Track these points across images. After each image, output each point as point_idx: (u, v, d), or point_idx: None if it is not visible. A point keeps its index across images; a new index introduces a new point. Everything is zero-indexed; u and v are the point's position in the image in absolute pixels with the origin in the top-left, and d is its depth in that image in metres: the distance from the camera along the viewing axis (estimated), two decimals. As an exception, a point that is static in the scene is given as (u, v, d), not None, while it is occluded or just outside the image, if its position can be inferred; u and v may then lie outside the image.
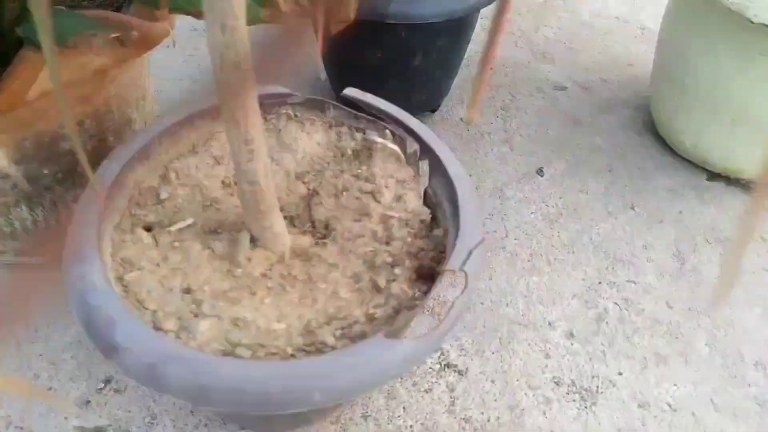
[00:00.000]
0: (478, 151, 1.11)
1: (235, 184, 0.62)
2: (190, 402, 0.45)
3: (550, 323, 0.84)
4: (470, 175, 1.06)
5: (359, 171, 0.65)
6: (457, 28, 0.99)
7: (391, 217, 0.60)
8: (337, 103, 0.70)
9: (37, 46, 0.57)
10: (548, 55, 1.36)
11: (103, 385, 0.75)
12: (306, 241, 0.59)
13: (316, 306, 0.52)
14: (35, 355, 0.77)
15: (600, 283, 0.89)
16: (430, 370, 0.78)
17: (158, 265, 0.55)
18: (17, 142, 0.62)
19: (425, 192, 0.63)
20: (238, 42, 0.44)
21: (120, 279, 0.53)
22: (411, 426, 0.73)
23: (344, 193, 0.63)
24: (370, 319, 0.51)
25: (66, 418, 0.72)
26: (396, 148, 0.66)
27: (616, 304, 0.86)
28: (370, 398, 0.75)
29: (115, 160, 0.60)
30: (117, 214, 0.59)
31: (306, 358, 0.46)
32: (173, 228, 0.58)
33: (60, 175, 0.68)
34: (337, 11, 0.91)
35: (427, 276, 0.54)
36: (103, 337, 0.46)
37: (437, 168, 0.61)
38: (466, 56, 1.14)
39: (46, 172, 0.67)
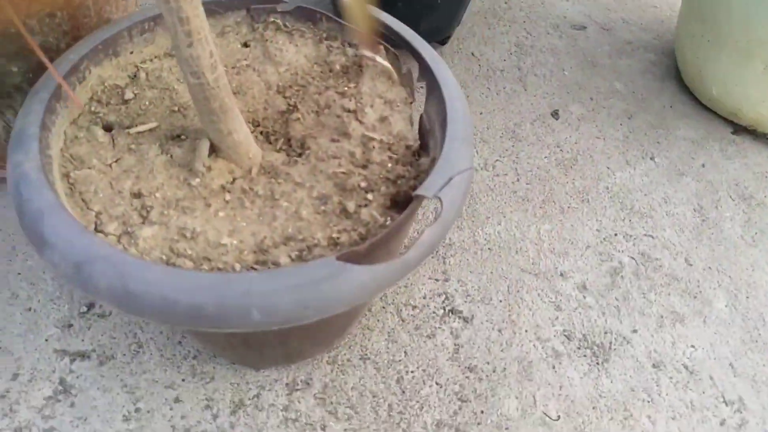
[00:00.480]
0: (489, 89, 1.04)
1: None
2: (120, 309, 0.40)
3: (561, 274, 0.79)
4: (480, 113, 0.99)
5: (345, 88, 0.58)
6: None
7: (372, 139, 0.54)
8: (331, 15, 0.62)
9: None
10: (567, -8, 1.27)
11: (86, 309, 0.68)
12: (278, 158, 0.53)
13: (273, 224, 0.47)
14: (13, 273, 0.70)
15: (616, 235, 0.84)
16: (433, 314, 0.73)
17: (110, 166, 0.50)
18: (-18, 31, 0.53)
19: (421, 118, 0.57)
20: None
21: (66, 176, 0.49)
22: (412, 371, 0.68)
23: (326, 110, 0.56)
24: (333, 243, 0.46)
25: (46, 340, 0.66)
26: (388, 65, 0.60)
27: (632, 258, 0.81)
28: (369, 339, 0.70)
29: (75, 52, 0.52)
30: (76, 108, 0.52)
31: (245, 272, 0.41)
32: (133, 130, 0.53)
33: (30, 74, 0.59)
34: None
35: (404, 204, 0.48)
36: (32, 230, 0.42)
37: (433, 90, 0.55)
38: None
39: (14, 69, 0.58)
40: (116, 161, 0.51)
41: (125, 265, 0.39)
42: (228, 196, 0.49)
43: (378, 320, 0.72)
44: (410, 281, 0.76)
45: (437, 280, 0.77)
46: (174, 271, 0.40)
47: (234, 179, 0.50)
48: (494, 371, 0.69)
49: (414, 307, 0.74)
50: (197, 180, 0.49)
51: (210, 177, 0.50)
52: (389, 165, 0.52)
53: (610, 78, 1.08)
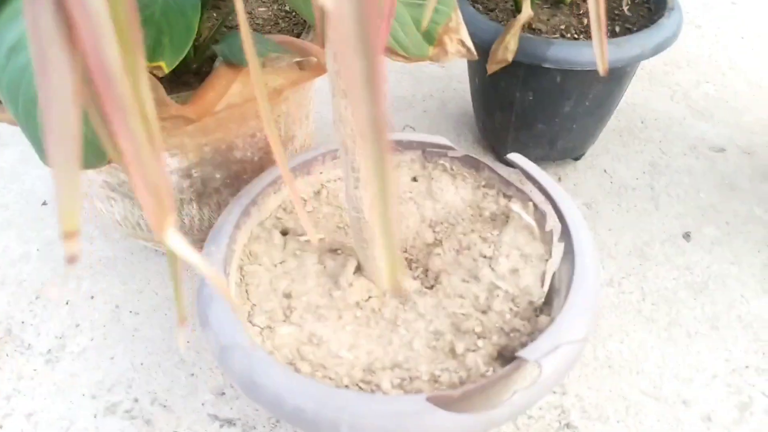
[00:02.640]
0: (620, 205, 1.07)
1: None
2: (244, 393, 0.48)
3: (684, 401, 0.78)
4: (609, 229, 1.01)
5: (488, 234, 0.64)
6: (615, 77, 0.96)
7: (498, 287, 0.59)
8: (493, 167, 0.70)
9: (231, 63, 0.63)
10: (707, 113, 1.28)
11: (234, 382, 0.79)
12: (412, 285, 0.59)
13: (387, 348, 0.53)
14: (183, 341, 0.84)
15: (747, 367, 0.81)
16: (548, 426, 0.75)
17: (275, 265, 0.61)
18: (200, 147, 0.68)
19: (553, 276, 0.61)
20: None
21: (241, 268, 0.59)
22: (523, 482, 0.70)
23: (465, 251, 0.63)
24: (433, 379, 0.51)
25: (203, 404, 0.77)
26: (532, 222, 0.65)
27: (764, 395, 0.78)
28: (483, 444, 0.73)
29: (276, 169, 0.65)
30: (265, 213, 0.64)
31: (344, 390, 0.47)
32: (303, 238, 0.63)
33: (228, 180, 0.74)
34: (496, 52, 0.92)
35: (510, 360, 0.51)
36: (201, 309, 0.52)
37: (569, 254, 0.58)
38: (618, 106, 1.10)
39: (217, 176, 0.73)
40: (281, 262, 0.61)
41: (256, 358, 0.48)
42: (359, 313, 0.56)
43: (493, 424, 0.76)
44: (527, 390, 0.79)
45: (555, 392, 0.79)
46: (290, 374, 0.47)
47: (369, 297, 0.58)
48: (607, 494, 0.69)
49: (530, 417, 0.76)
50: (339, 293, 0.58)
51: (350, 292, 0.58)
52: (507, 316, 0.56)
53: (749, 202, 1.07)
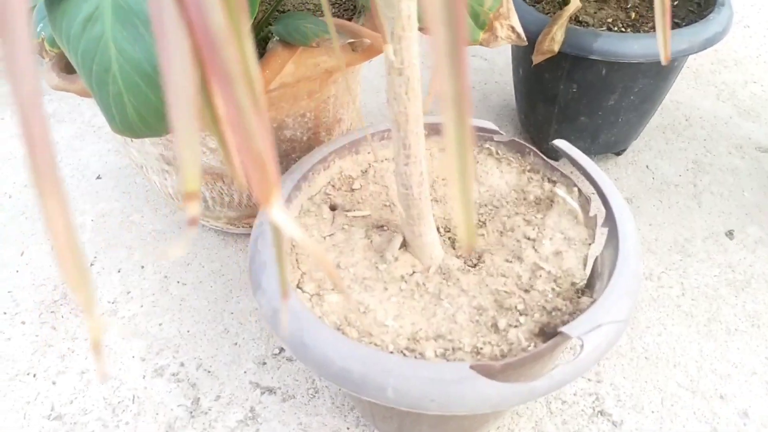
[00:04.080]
0: (661, 201, 1.06)
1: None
2: (294, 354, 0.50)
3: (722, 396, 0.77)
4: (649, 225, 1.01)
5: (533, 218, 0.65)
6: (661, 71, 0.96)
7: (542, 268, 0.60)
8: (538, 152, 0.71)
9: (287, 43, 0.65)
10: (753, 113, 1.26)
11: (278, 351, 0.82)
12: (456, 263, 0.61)
13: (432, 320, 0.55)
14: (228, 312, 0.87)
15: (788, 366, 0.80)
16: (582, 412, 0.76)
17: (325, 238, 0.63)
18: (252, 124, 0.71)
19: (595, 260, 0.61)
20: (405, 50, 0.47)
21: (291, 239, 0.62)
22: (555, 464, 0.71)
23: (509, 232, 0.64)
24: (476, 351, 0.52)
25: (245, 372, 0.79)
26: (577, 206, 0.66)
27: (805, 392, 0.77)
28: (517, 424, 0.74)
29: (329, 147, 0.67)
30: (315, 188, 0.67)
31: (390, 355, 0.48)
32: (350, 214, 0.65)
33: (278, 158, 0.76)
34: (542, 43, 0.93)
35: (551, 336, 0.52)
36: (254, 275, 0.55)
37: (612, 239, 0.59)
38: (662, 103, 1.09)
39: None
40: (330, 235, 0.64)
41: (307, 321, 0.50)
42: (404, 285, 0.59)
43: (527, 407, 0.77)
44: (562, 376, 0.80)
45: (590, 380, 0.80)
46: (339, 337, 0.49)
47: (413, 272, 0.60)
48: (639, 481, 0.70)
49: (563, 402, 0.77)
50: (384, 266, 0.60)
51: (395, 266, 0.60)
52: (549, 295, 0.57)
53: (796, 204, 1.05)
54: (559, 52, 0.92)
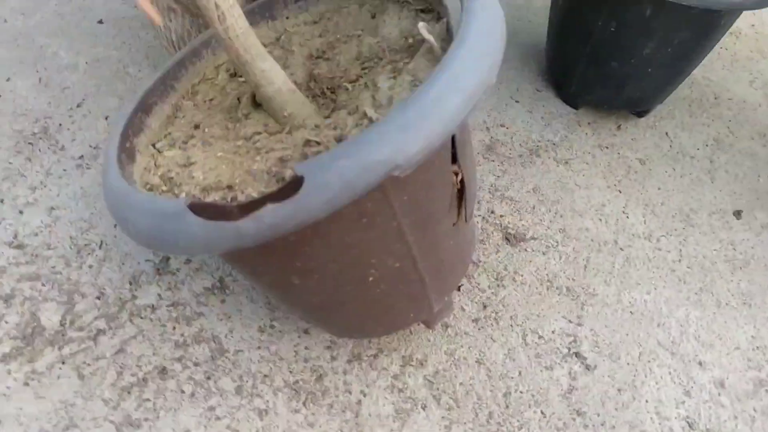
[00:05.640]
0: (674, 169, 1.02)
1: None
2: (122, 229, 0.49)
3: (700, 363, 0.76)
4: (658, 188, 0.98)
5: (401, 64, 0.58)
6: (709, 23, 0.90)
7: (366, 116, 0.52)
8: None
9: None
10: (784, 106, 1.22)
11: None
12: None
13: (236, 173, 0.51)
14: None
15: (771, 347, 0.79)
16: (557, 350, 0.74)
17: (205, 101, 0.61)
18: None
19: None
20: None
21: (177, 103, 0.61)
22: (521, 392, 0.69)
23: (371, 84, 0.57)
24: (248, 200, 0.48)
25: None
26: (435, 43, 0.55)
27: (783, 374, 0.76)
28: (489, 348, 0.72)
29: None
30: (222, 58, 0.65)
31: (142, 194, 0.47)
32: (242, 79, 0.63)
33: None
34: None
35: None
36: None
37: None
38: (694, 73, 1.04)
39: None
40: (211, 99, 0.60)
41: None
42: (241, 143, 0.54)
43: (502, 335, 0.74)
44: (542, 312, 0.77)
45: (570, 321, 0.77)
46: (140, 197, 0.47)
47: (262, 131, 0.54)
48: (603, 425, 0.68)
49: (540, 337, 0.75)
50: (234, 125, 0.56)
51: (244, 124, 0.55)
52: None
53: (809, 198, 1.02)
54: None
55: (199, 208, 0.41)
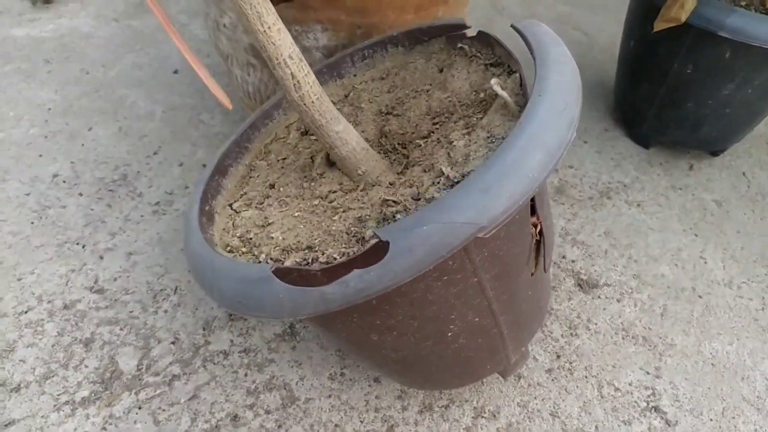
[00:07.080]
0: (754, 211, 0.98)
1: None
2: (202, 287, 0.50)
3: (791, 420, 0.71)
4: (737, 231, 0.93)
5: (474, 119, 0.57)
6: (792, 66, 0.87)
7: (442, 174, 0.51)
8: (501, 42, 0.61)
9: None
10: None
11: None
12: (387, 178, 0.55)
13: (315, 233, 0.51)
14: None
15: None
16: (635, 403, 0.71)
17: (279, 160, 0.62)
18: (353, 27, 0.67)
19: None
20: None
21: (251, 163, 0.63)
22: (599, 449, 0.66)
23: (445, 140, 0.56)
24: (330, 261, 0.47)
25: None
26: (509, 98, 0.53)
27: None
28: (564, 400, 0.70)
29: None
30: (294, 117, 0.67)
31: (223, 258, 0.47)
32: (313, 137, 0.64)
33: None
34: (670, 8, 0.85)
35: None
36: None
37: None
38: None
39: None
40: (284, 158, 0.61)
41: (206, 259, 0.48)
42: (317, 202, 0.54)
43: (577, 386, 0.72)
44: (618, 362, 0.74)
45: (648, 373, 0.74)
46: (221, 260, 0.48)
47: (337, 190, 0.55)
48: (687, 486, 0.64)
49: (616, 389, 0.72)
50: (309, 184, 0.56)
51: (320, 183, 0.56)
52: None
53: None
54: (684, 23, 0.85)
55: (284, 274, 0.42)
